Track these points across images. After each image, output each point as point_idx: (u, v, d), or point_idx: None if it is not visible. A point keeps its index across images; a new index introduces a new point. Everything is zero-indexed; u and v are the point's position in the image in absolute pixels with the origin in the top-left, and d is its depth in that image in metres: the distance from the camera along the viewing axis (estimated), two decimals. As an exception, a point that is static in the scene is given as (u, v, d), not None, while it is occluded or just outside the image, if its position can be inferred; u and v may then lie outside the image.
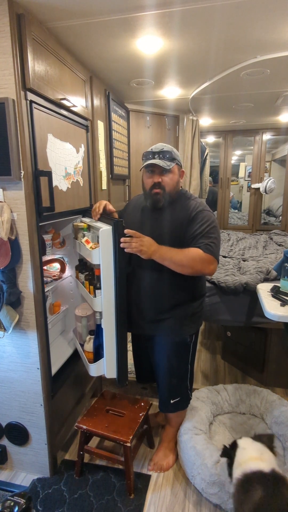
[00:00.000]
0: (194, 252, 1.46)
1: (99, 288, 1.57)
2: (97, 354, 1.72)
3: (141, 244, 1.45)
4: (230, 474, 1.33)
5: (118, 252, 1.48)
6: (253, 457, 1.28)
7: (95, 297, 1.62)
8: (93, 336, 1.75)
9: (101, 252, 1.49)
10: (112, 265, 1.50)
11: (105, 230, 1.47)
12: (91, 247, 1.59)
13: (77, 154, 1.85)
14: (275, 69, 2.05)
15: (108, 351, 1.62)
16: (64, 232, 2.06)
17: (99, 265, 1.53)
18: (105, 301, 1.55)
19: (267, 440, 1.37)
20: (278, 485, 1.17)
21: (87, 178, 2.00)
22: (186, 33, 1.60)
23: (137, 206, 1.70)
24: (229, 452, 1.36)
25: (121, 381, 1.66)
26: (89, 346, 1.75)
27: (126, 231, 1.47)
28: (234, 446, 1.37)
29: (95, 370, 1.70)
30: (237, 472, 1.26)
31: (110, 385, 2.37)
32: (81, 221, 1.86)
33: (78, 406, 2.06)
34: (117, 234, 1.46)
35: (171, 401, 1.74)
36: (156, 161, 1.51)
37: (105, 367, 1.64)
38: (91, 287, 1.66)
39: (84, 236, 1.72)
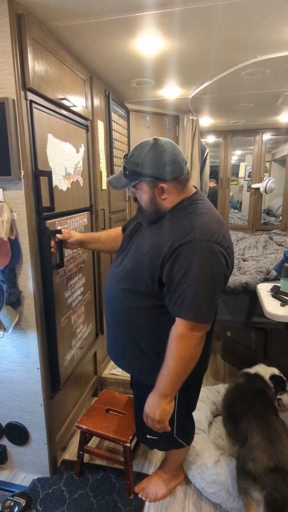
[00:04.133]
0: (171, 339, 1.11)
1: None
2: None
3: (151, 420, 1.22)
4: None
5: (41, 253, 1.49)
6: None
7: None
8: None
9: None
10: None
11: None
12: None
13: (77, 154, 1.85)
14: (275, 69, 2.05)
15: None
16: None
17: None
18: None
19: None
20: (257, 378, 1.77)
21: (87, 178, 2.00)
22: (186, 33, 1.60)
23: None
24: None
25: (53, 385, 1.67)
26: None
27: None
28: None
29: None
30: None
31: (110, 385, 2.37)
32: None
33: (78, 406, 2.06)
34: (39, 239, 1.48)
35: (147, 436, 1.47)
36: (111, 178, 1.25)
37: None
38: None
39: None
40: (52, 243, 1.48)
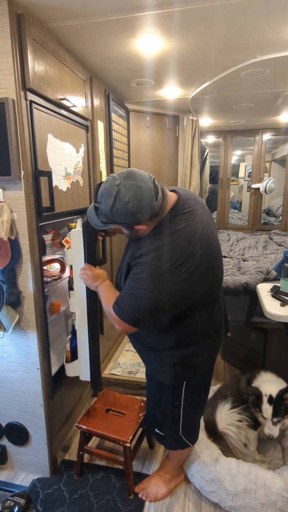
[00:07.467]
0: (112, 303, 1.26)
1: (73, 289, 1.59)
2: (74, 354, 1.72)
3: (86, 278, 1.42)
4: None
5: (88, 253, 1.46)
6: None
7: (69, 297, 1.65)
8: (70, 336, 1.79)
9: (72, 253, 1.50)
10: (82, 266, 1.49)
11: (75, 231, 1.47)
12: (67, 248, 1.60)
13: (77, 154, 1.85)
14: (275, 69, 2.05)
15: (81, 353, 1.63)
16: (64, 232, 2.06)
17: (71, 265, 1.55)
18: (76, 302, 1.56)
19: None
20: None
21: (87, 178, 2.01)
22: (186, 33, 1.60)
23: None
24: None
25: (93, 385, 1.68)
26: (68, 345, 1.77)
27: (85, 264, 1.46)
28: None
29: (70, 370, 1.73)
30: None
31: (110, 385, 2.37)
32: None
33: (78, 406, 2.06)
34: (86, 236, 1.44)
35: (155, 429, 1.58)
36: (88, 213, 1.30)
37: (79, 369, 1.67)
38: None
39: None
40: (100, 237, 1.53)
